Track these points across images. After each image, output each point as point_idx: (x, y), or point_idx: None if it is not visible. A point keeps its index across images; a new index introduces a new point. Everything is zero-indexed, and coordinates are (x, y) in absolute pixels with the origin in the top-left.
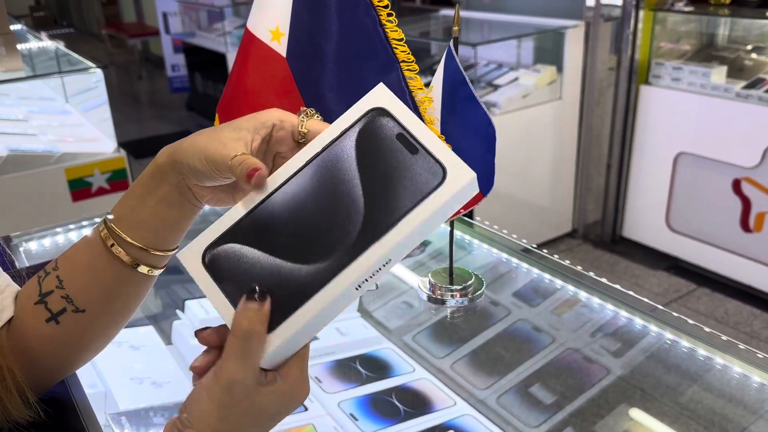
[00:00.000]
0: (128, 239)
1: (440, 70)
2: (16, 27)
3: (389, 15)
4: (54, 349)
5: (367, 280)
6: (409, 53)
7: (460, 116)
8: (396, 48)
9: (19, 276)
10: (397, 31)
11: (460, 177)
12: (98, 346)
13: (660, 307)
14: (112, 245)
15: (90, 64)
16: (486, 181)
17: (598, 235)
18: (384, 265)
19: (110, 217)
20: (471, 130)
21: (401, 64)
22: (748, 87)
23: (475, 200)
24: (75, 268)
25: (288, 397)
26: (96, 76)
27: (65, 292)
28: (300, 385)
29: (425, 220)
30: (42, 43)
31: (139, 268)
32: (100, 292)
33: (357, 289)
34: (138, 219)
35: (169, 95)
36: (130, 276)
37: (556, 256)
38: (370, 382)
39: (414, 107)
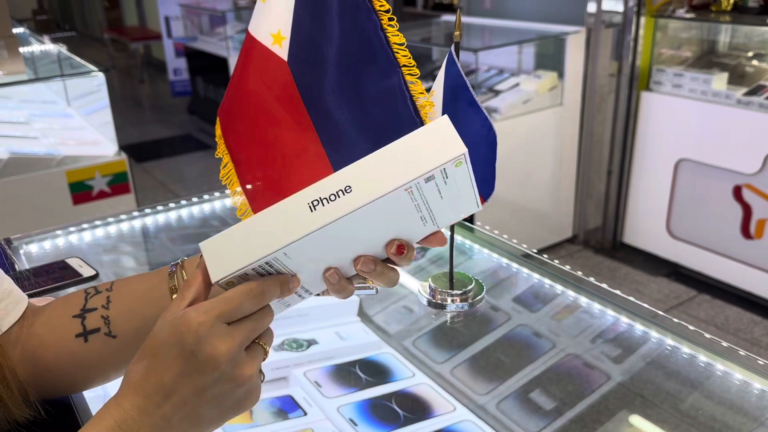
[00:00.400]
0: None
1: (441, 74)
2: (18, 30)
3: (390, 20)
4: (69, 366)
5: (319, 200)
6: (410, 57)
7: (461, 121)
8: (397, 52)
9: (21, 278)
10: (398, 35)
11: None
12: (110, 375)
13: (660, 313)
14: (174, 289)
15: (92, 67)
16: (487, 186)
17: (599, 241)
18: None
19: (185, 258)
20: (472, 135)
21: (402, 68)
22: (748, 94)
23: None
24: (129, 292)
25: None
26: (98, 79)
27: (108, 312)
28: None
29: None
30: (44, 47)
31: None
32: (138, 324)
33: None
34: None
35: (171, 99)
36: None
37: (556, 261)
38: (369, 387)
39: (415, 112)
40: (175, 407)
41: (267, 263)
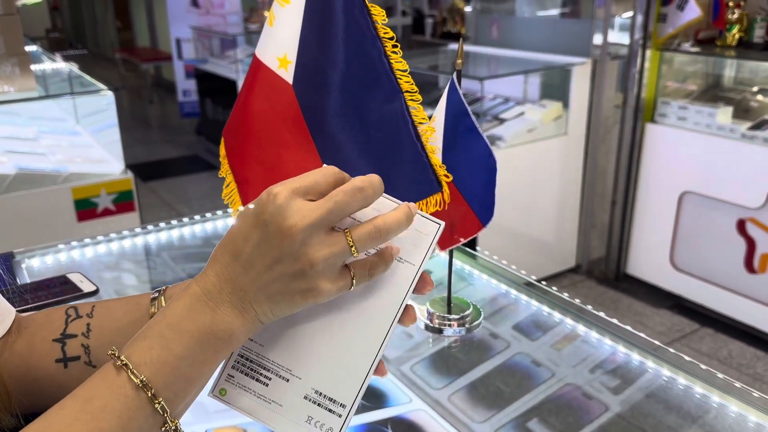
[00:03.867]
0: None
1: (443, 101)
2: (31, 48)
3: (394, 47)
4: (48, 387)
5: None
6: (412, 84)
7: (461, 147)
8: (400, 78)
9: (22, 291)
10: (401, 62)
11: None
12: None
13: (662, 345)
14: (152, 314)
15: (102, 86)
16: (486, 212)
17: (602, 271)
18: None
19: (169, 286)
20: (472, 161)
21: (405, 94)
22: (753, 128)
23: (475, 230)
24: (110, 324)
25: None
26: (107, 98)
27: (88, 342)
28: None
29: None
30: (56, 65)
31: None
32: None
33: None
34: None
35: (180, 120)
36: None
37: (554, 288)
38: (365, 412)
39: (416, 136)
40: (250, 277)
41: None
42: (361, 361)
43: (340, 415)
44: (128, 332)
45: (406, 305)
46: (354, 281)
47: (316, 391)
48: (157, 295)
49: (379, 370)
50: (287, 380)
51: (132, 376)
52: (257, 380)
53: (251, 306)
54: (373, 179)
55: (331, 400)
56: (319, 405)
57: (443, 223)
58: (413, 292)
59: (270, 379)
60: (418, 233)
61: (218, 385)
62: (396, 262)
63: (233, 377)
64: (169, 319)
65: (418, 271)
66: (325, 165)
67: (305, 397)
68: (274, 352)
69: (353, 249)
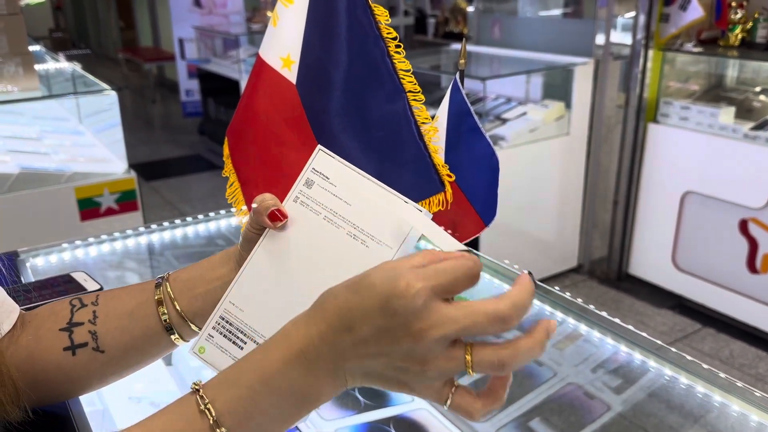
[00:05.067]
0: (176, 305)
1: (446, 101)
2: (34, 48)
3: (397, 47)
4: (56, 377)
5: None
6: (415, 84)
7: (464, 146)
8: (403, 78)
9: (27, 290)
10: (404, 62)
11: None
12: (97, 386)
13: (664, 345)
14: (160, 303)
15: (105, 86)
16: (488, 211)
17: (604, 271)
18: None
19: (170, 272)
20: (475, 161)
21: (408, 94)
22: (755, 128)
23: (477, 230)
24: (115, 309)
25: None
26: (110, 98)
27: (95, 328)
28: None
29: None
30: (59, 64)
31: (171, 334)
32: (126, 340)
33: None
34: (193, 292)
35: (182, 119)
36: (159, 337)
37: (556, 288)
38: (367, 411)
39: (419, 136)
40: (357, 353)
41: None
42: None
43: None
44: (135, 314)
45: None
46: (449, 402)
47: None
48: (160, 281)
49: None
50: None
51: (214, 424)
52: (234, 343)
53: (345, 374)
54: (520, 309)
55: None
56: None
57: (426, 212)
58: None
59: (245, 343)
60: (396, 217)
61: (198, 343)
62: (374, 243)
63: (213, 337)
64: (263, 373)
65: (394, 255)
66: (464, 252)
67: None
68: (253, 319)
69: (469, 370)
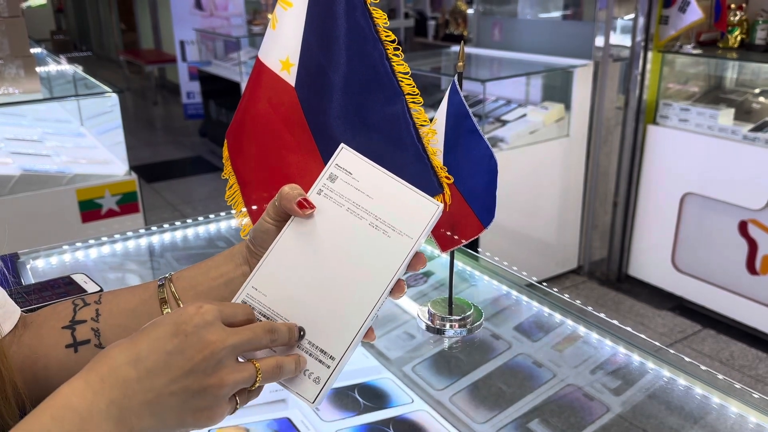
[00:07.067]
0: (180, 304)
1: (444, 103)
2: (36, 50)
3: (396, 49)
4: (58, 376)
5: None
6: (414, 86)
7: (462, 148)
8: (402, 81)
9: (27, 292)
10: (403, 64)
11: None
12: None
13: (663, 347)
14: (163, 302)
15: (106, 88)
16: (487, 213)
17: (604, 272)
18: None
19: (172, 273)
20: (473, 163)
21: (406, 96)
22: (755, 130)
23: (476, 231)
24: (119, 306)
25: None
26: (111, 100)
27: (98, 325)
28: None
29: None
30: (61, 67)
31: None
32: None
33: None
34: (197, 290)
35: (183, 121)
36: None
37: (555, 289)
38: (368, 412)
39: (418, 138)
40: (143, 386)
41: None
42: (354, 319)
43: (328, 366)
44: (138, 311)
45: (398, 279)
46: (238, 406)
47: (309, 342)
48: (163, 282)
49: (369, 335)
50: None
51: None
52: None
53: (130, 419)
54: (293, 330)
55: (322, 351)
56: (310, 354)
57: (441, 205)
58: (407, 269)
59: None
60: (415, 209)
61: None
62: (395, 234)
63: None
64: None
65: (414, 244)
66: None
67: (298, 346)
68: (276, 303)
69: (258, 378)
